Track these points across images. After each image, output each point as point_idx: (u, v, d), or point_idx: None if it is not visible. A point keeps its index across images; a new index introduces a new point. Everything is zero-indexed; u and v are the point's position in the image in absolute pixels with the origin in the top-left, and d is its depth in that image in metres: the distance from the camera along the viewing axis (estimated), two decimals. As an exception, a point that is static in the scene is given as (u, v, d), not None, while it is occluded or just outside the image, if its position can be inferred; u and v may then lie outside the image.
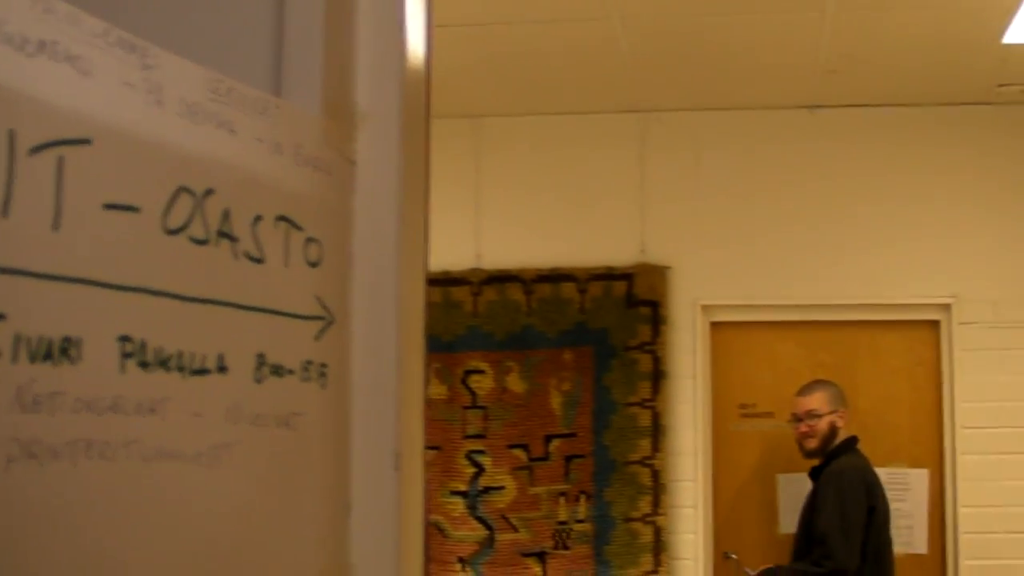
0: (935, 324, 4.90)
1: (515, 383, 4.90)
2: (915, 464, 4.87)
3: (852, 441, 4.41)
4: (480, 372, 4.92)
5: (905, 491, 4.84)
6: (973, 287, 4.85)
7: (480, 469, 4.88)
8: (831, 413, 4.42)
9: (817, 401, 4.44)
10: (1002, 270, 4.86)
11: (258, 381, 0.95)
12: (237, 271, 0.94)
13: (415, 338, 1.04)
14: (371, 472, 0.99)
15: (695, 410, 4.87)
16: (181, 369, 0.89)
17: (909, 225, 4.89)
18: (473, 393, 4.92)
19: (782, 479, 4.86)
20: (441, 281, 4.96)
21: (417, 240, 1.06)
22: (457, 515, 4.88)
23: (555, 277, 4.93)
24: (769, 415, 4.93)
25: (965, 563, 4.76)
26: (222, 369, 0.92)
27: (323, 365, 1.01)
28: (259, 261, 0.96)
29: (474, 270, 4.98)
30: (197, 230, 0.91)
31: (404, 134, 1.06)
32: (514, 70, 4.58)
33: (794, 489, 4.69)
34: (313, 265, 1.01)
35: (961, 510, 4.77)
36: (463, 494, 4.88)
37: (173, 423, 0.88)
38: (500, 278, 4.96)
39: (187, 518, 0.88)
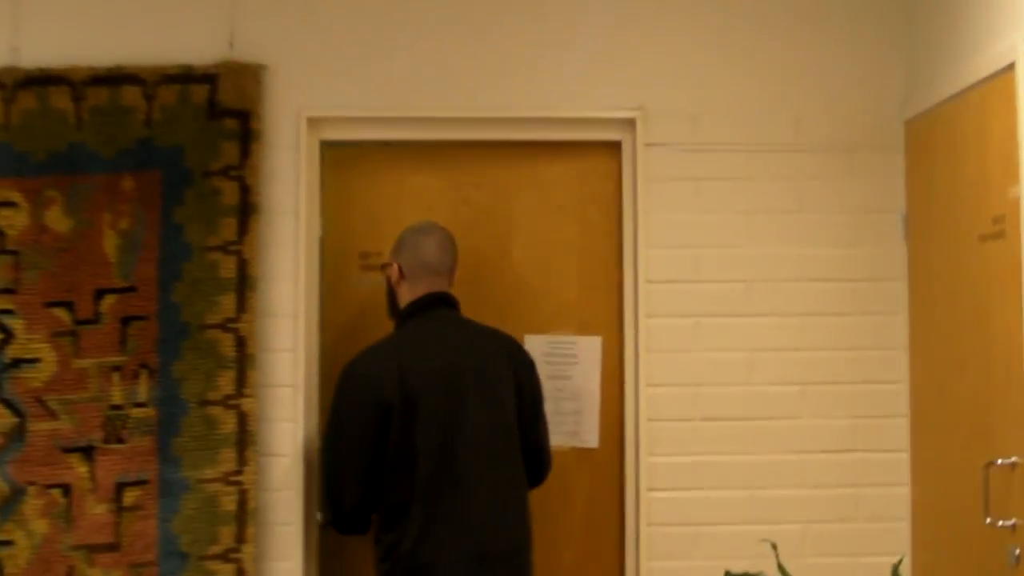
0: (615, 146, 3.73)
1: (57, 220, 3.64)
2: (585, 330, 3.72)
3: (421, 305, 3.35)
4: (11, 205, 3.64)
5: (572, 365, 3.69)
6: (665, 97, 3.70)
7: (8, 335, 3.62)
8: (387, 268, 3.47)
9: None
10: (704, 74, 3.72)
11: None
12: None
13: None
14: None
15: (297, 258, 3.65)
16: None
17: (578, 12, 3.70)
18: (1, 233, 3.64)
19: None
20: (-38, 83, 3.68)
21: None
22: (-23, 397, 3.63)
23: (114, 79, 3.66)
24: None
25: (648, 459, 3.63)
26: None
27: None
28: None
29: (8, 69, 3.68)
30: None
31: None
32: None
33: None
34: None
35: (645, 390, 3.64)
36: (-15, 369, 3.63)
37: None
38: (41, 80, 3.66)
39: None
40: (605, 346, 3.68)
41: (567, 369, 3.66)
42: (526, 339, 3.61)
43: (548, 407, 3.44)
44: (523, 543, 3.28)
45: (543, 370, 3.48)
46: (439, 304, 3.34)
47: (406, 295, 3.37)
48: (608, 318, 3.70)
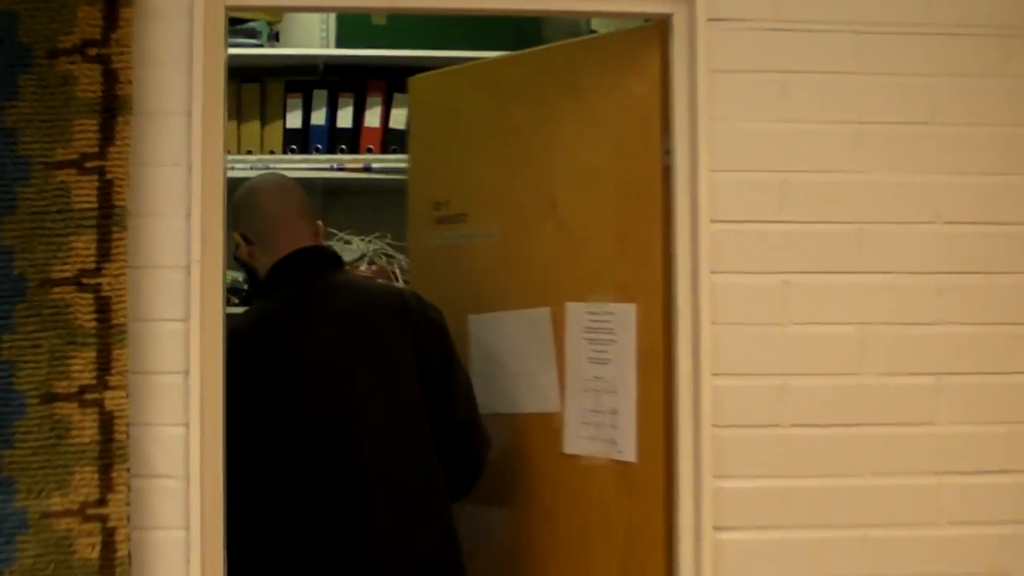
0: (663, 24, 2.62)
1: None
2: (622, 295, 2.63)
3: (287, 265, 2.85)
4: None
5: (608, 343, 2.59)
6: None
7: None
8: (236, 250, 2.99)
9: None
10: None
11: None
12: None
13: None
14: None
15: (191, 178, 2.53)
16: None
17: None
18: None
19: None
20: None
21: None
22: None
23: (-86, -92, 2.54)
24: (461, 218, 2.97)
25: (715, 484, 2.56)
26: None
27: None
28: None
29: None
30: None
31: None
32: None
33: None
34: None
35: (708, 382, 2.56)
36: None
37: None
38: None
39: None
40: (642, 316, 2.58)
41: (605, 350, 2.58)
42: (567, 308, 2.74)
43: (587, 403, 2.70)
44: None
45: (585, 351, 2.49)
46: (314, 264, 2.86)
47: (266, 263, 2.89)
48: (652, 277, 2.60)
